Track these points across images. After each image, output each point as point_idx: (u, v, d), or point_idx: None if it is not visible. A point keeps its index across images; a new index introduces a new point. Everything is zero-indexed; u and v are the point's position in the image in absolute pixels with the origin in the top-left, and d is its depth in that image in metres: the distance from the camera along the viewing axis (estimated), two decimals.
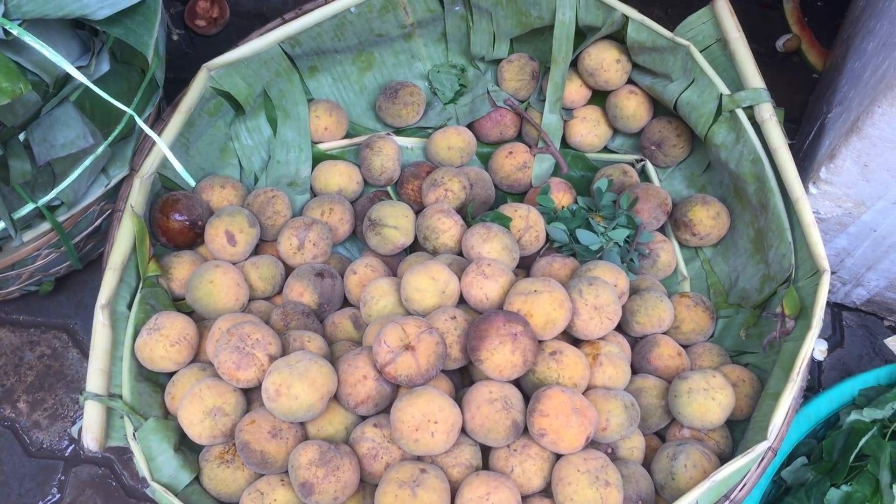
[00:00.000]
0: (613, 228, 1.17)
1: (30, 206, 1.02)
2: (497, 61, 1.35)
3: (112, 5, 0.82)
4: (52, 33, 0.89)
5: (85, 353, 1.33)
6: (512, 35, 1.31)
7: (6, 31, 0.82)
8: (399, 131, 1.35)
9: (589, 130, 1.29)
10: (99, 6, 0.82)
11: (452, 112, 1.35)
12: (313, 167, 1.29)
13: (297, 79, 1.29)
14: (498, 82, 1.34)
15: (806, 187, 1.10)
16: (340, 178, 1.26)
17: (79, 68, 0.92)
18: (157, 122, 1.15)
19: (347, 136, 1.34)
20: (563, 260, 1.13)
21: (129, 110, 0.86)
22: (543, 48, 1.31)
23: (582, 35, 1.26)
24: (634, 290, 1.14)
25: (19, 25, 0.82)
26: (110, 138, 1.06)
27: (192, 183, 0.98)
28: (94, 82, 0.94)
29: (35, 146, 0.92)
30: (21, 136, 0.93)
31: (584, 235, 1.16)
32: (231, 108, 1.25)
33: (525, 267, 1.19)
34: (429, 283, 1.04)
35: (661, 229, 1.24)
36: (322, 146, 1.31)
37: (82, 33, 0.96)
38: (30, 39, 0.81)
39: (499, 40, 1.32)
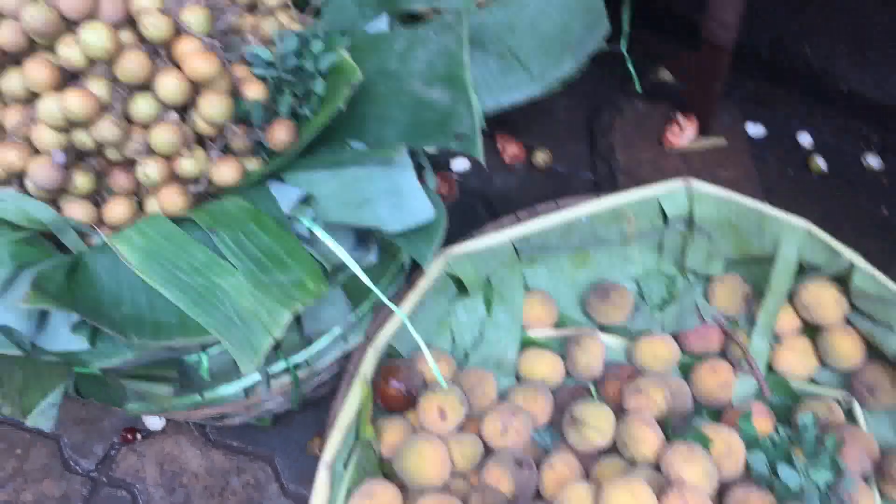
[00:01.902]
0: (815, 469, 1.17)
1: (282, 365, 1.15)
2: (709, 277, 1.40)
3: (403, 222, 0.95)
4: (339, 230, 1.03)
5: (284, 490, 1.43)
6: (728, 257, 1.36)
7: (311, 232, 0.95)
8: (604, 328, 1.41)
9: (797, 361, 1.31)
10: (392, 222, 0.94)
11: (659, 318, 1.41)
12: (521, 352, 1.37)
13: (518, 269, 1.39)
14: (707, 297, 1.38)
15: None
16: (545, 367, 1.33)
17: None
18: (394, 297, 1.27)
19: (555, 326, 1.41)
20: (761, 494, 1.13)
21: (398, 311, 0.97)
22: (758, 272, 1.35)
23: (801, 266, 1.30)
24: None
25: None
26: (360, 312, 1.18)
27: (444, 384, 1.07)
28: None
29: (305, 321, 1.05)
30: None
31: (786, 473, 1.16)
32: (454, 286, 1.36)
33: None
34: (630, 500, 1.07)
35: (864, 477, 1.22)
36: (531, 332, 1.39)
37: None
38: (331, 243, 0.94)
39: (714, 258, 1.38)
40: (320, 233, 0.95)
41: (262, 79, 1.01)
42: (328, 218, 0.96)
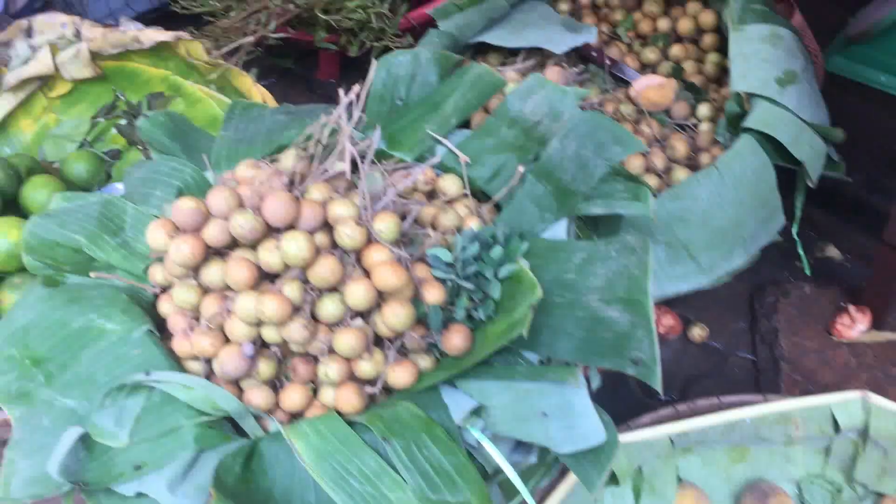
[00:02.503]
0: None
1: None
2: (880, 494, 1.31)
3: (573, 444, 0.93)
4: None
5: None
6: None
7: (478, 442, 0.96)
8: None
9: None
10: (563, 443, 0.93)
11: None
12: None
13: (672, 462, 1.34)
14: None
15: None
16: None
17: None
18: (545, 488, 1.25)
19: None
20: None
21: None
22: None
23: None
24: None
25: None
26: None
27: None
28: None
29: None
30: None
31: None
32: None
33: None
34: None
35: None
36: None
37: None
38: (499, 458, 0.94)
39: (888, 475, 1.29)
40: (489, 445, 0.95)
41: (441, 279, 1.03)
42: (496, 429, 0.96)
